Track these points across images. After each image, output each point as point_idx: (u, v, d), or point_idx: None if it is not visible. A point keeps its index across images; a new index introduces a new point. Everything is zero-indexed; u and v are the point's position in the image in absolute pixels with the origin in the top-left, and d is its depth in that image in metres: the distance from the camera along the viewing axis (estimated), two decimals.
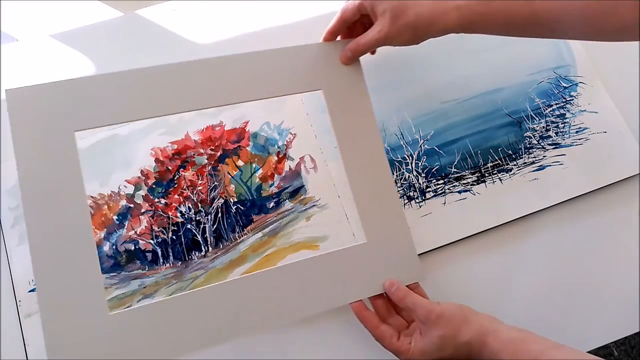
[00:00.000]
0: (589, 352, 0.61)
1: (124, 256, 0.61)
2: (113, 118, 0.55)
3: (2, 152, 0.65)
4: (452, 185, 0.67)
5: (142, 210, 0.63)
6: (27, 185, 0.51)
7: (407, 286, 0.57)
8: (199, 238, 0.62)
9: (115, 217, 0.62)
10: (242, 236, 0.63)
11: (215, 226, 0.63)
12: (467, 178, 0.67)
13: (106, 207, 0.63)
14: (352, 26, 0.63)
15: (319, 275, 0.56)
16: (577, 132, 0.70)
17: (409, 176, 0.67)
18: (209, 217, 0.63)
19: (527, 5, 0.52)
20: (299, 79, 0.61)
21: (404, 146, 0.68)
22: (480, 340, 0.50)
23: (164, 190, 0.64)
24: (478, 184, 0.67)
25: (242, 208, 0.64)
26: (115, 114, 0.55)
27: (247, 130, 0.67)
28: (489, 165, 0.68)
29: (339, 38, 0.64)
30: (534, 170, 0.68)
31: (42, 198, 0.51)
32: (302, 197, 0.65)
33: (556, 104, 0.71)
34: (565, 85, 0.72)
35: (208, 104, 0.58)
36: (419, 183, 0.67)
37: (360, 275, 0.57)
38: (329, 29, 0.62)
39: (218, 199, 0.64)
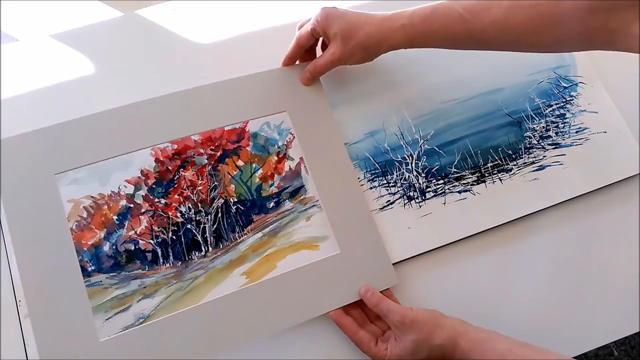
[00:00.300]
0: (589, 352, 0.61)
1: (124, 256, 0.61)
2: (88, 159, 0.61)
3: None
4: (452, 185, 0.67)
5: (142, 210, 0.63)
6: (15, 224, 0.58)
7: (380, 292, 0.60)
8: (199, 238, 0.62)
9: (115, 217, 0.62)
10: (242, 236, 0.63)
11: (215, 226, 0.63)
12: (467, 178, 0.67)
13: (106, 207, 0.63)
14: (310, 49, 0.68)
15: (298, 287, 0.60)
16: (577, 132, 0.70)
17: (409, 176, 0.67)
18: (209, 217, 0.63)
19: (464, 25, 0.56)
20: (264, 103, 0.66)
21: (404, 146, 0.68)
22: (452, 342, 0.53)
23: (164, 190, 0.64)
24: (478, 184, 0.67)
25: (242, 208, 0.64)
26: (90, 154, 0.61)
27: (247, 130, 0.67)
28: (489, 165, 0.68)
29: (297, 62, 0.69)
30: (534, 170, 0.68)
31: (30, 237, 0.57)
32: (302, 197, 0.65)
33: (556, 104, 0.71)
34: (565, 85, 0.72)
35: (179, 135, 0.64)
36: (419, 183, 0.67)
37: (336, 285, 0.60)
38: (287, 54, 0.67)
39: (218, 199, 0.64)
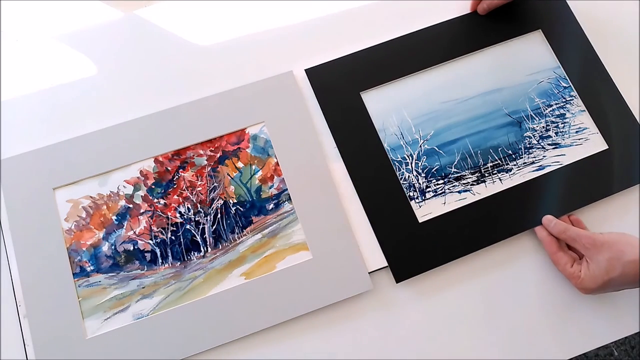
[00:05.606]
0: (589, 352, 0.61)
1: (122, 256, 0.61)
2: (84, 174, 0.64)
3: (2, 153, 0.65)
4: (452, 185, 0.67)
5: (141, 211, 0.63)
6: (17, 234, 0.61)
7: (571, 223, 0.64)
8: (198, 238, 0.62)
9: (114, 218, 0.62)
10: (242, 237, 0.63)
11: (214, 227, 0.63)
12: (467, 178, 0.67)
13: (105, 207, 0.63)
14: None
15: (274, 290, 0.61)
16: (577, 132, 0.70)
17: (408, 176, 0.67)
18: (208, 217, 0.63)
19: None
20: (243, 116, 0.67)
21: (404, 146, 0.68)
22: None
23: (163, 191, 0.64)
24: (478, 184, 0.67)
25: (241, 209, 0.64)
26: (85, 170, 0.64)
27: (246, 132, 0.67)
28: (489, 165, 0.68)
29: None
30: (534, 170, 0.68)
31: (29, 245, 0.61)
32: None
33: (556, 104, 0.71)
34: (565, 85, 0.72)
35: (165, 150, 0.65)
36: (419, 183, 0.67)
37: (310, 289, 0.61)
38: None
39: (217, 200, 0.64)
